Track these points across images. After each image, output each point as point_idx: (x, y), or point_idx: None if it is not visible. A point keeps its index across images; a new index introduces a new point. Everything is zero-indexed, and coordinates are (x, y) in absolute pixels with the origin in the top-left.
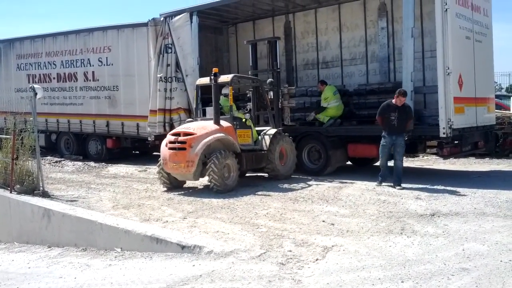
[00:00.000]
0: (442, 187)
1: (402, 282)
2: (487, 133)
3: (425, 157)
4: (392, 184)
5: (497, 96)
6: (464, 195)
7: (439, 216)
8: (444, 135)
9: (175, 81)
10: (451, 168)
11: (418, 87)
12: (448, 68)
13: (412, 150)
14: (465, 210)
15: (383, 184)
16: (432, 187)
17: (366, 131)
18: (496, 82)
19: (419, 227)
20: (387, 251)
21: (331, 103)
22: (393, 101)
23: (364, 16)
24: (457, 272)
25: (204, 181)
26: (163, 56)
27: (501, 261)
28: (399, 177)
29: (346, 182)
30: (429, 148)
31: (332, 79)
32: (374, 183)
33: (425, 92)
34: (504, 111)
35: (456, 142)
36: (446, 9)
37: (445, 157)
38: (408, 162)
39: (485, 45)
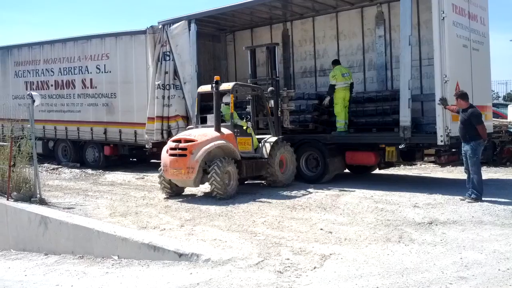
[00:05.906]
0: (440, 195)
1: None
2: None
3: (423, 165)
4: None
5: (494, 105)
6: (462, 203)
7: (437, 225)
8: (442, 143)
9: (173, 88)
10: (449, 176)
11: (416, 95)
12: (446, 76)
13: (410, 158)
14: (463, 219)
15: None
16: (430, 195)
17: (364, 138)
18: (493, 91)
19: (417, 235)
20: (385, 259)
21: (339, 84)
22: None
23: (362, 24)
24: (455, 280)
25: (203, 188)
26: (161, 63)
27: (499, 269)
28: None
29: (344, 190)
30: (426, 156)
31: None
32: (468, 200)
33: (423, 100)
34: (501, 120)
35: (453, 150)
36: (443, 18)
37: (442, 165)
38: (406, 170)
39: (482, 53)
